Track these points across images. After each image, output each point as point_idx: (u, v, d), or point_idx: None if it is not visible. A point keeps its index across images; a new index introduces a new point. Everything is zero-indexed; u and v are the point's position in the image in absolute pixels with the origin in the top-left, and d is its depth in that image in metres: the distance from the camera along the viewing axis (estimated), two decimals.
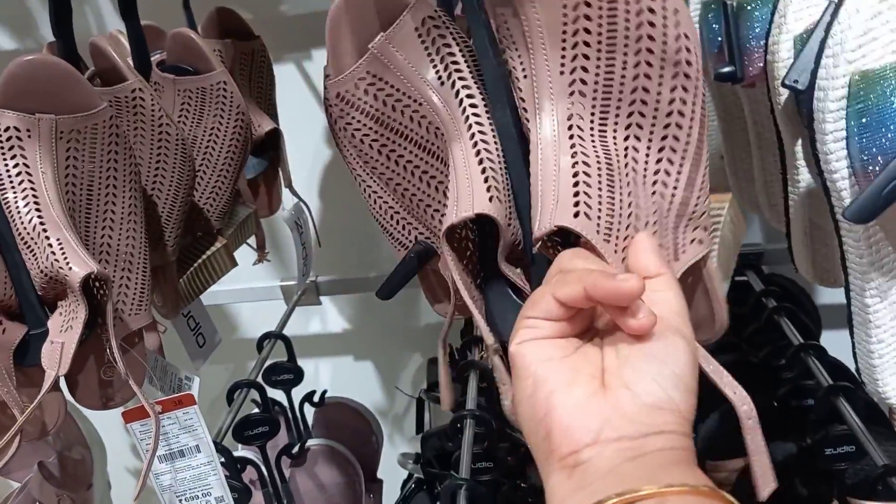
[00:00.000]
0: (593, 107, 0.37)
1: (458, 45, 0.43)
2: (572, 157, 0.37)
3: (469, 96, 0.42)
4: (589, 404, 0.30)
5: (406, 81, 0.43)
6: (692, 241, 0.38)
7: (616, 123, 0.37)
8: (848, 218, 0.37)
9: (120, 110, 0.56)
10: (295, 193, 0.85)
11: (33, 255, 0.48)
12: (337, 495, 0.91)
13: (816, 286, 1.02)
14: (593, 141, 0.37)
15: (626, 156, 0.37)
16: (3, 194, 0.48)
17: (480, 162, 0.40)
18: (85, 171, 0.51)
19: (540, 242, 0.37)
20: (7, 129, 0.47)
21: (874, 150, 0.36)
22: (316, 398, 0.97)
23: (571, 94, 0.37)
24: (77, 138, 0.50)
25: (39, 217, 0.47)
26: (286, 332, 0.93)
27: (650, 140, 0.37)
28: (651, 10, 0.34)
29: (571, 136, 0.37)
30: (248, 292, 1.05)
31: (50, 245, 0.47)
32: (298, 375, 0.94)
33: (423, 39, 0.43)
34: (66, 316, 0.49)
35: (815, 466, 0.68)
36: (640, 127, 0.37)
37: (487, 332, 0.40)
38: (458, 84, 0.42)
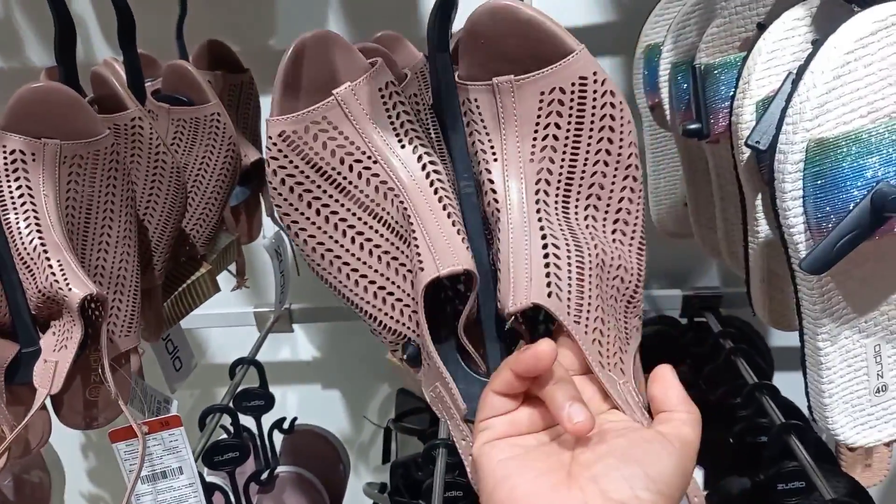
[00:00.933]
0: (556, 193, 0.40)
1: (416, 116, 0.43)
2: (542, 238, 0.39)
3: (432, 163, 0.41)
4: (552, 494, 0.30)
5: (364, 137, 0.41)
6: (634, 328, 0.41)
7: (577, 207, 0.41)
8: (803, 269, 0.41)
9: (119, 137, 0.58)
10: (276, 222, 0.87)
11: (32, 276, 0.49)
12: None
13: (770, 329, 1.08)
14: (560, 224, 0.40)
15: (590, 235, 0.40)
16: (4, 215, 0.49)
17: (454, 224, 0.40)
18: (84, 195, 0.53)
19: (513, 318, 0.39)
20: (13, 151, 0.49)
21: (828, 208, 0.41)
22: (286, 425, 0.98)
23: (538, 180, 0.40)
24: (79, 163, 0.52)
25: (41, 239, 0.49)
26: (257, 358, 0.94)
27: (604, 223, 0.41)
28: (612, 117, 0.39)
29: (540, 220, 0.39)
30: (221, 317, 1.05)
31: (50, 266, 0.48)
32: (269, 402, 0.95)
33: (385, 101, 0.41)
34: (59, 336, 0.50)
35: (767, 501, 0.72)
36: (596, 209, 0.41)
37: (460, 401, 0.40)
38: (421, 150, 0.41)
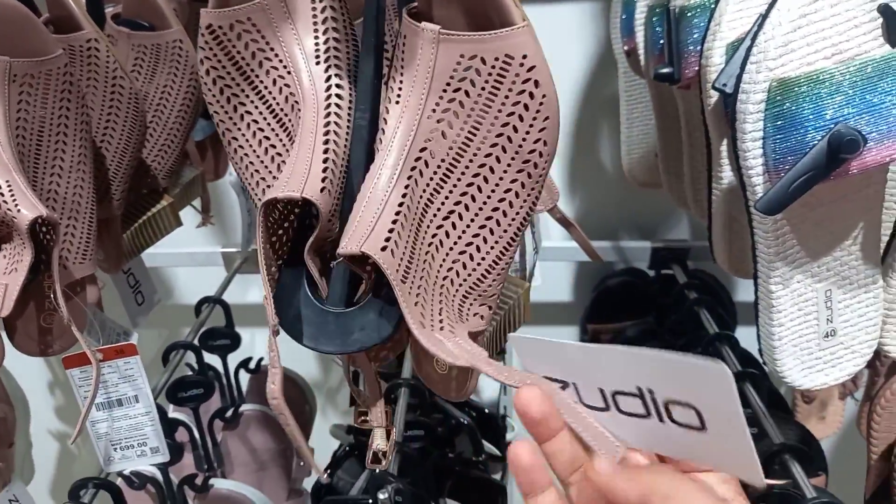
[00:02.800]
0: (438, 167, 0.39)
1: (345, 37, 0.42)
2: (402, 196, 0.38)
3: (339, 86, 0.41)
4: None
5: (283, 45, 0.41)
6: (475, 314, 0.41)
7: (450, 192, 0.39)
8: (759, 209, 0.41)
9: (73, 59, 0.56)
10: None
11: None
12: (268, 461, 0.93)
13: (736, 284, 1.09)
14: (423, 194, 0.39)
15: (442, 225, 0.39)
16: None
17: (326, 151, 0.40)
18: (36, 117, 0.51)
19: (342, 258, 0.39)
20: None
21: (785, 150, 0.41)
22: (251, 365, 0.98)
23: (428, 140, 0.38)
24: (30, 83, 0.50)
25: None
26: (224, 298, 0.94)
27: (472, 220, 0.39)
28: (526, 107, 0.36)
29: (410, 178, 0.38)
30: (187, 257, 1.04)
31: None
32: (235, 341, 0.95)
33: (315, 13, 0.41)
34: (10, 259, 0.49)
35: None
36: (471, 200, 0.39)
37: (271, 311, 0.40)
38: (333, 70, 0.41)
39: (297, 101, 0.41)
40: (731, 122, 0.44)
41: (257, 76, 0.42)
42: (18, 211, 0.46)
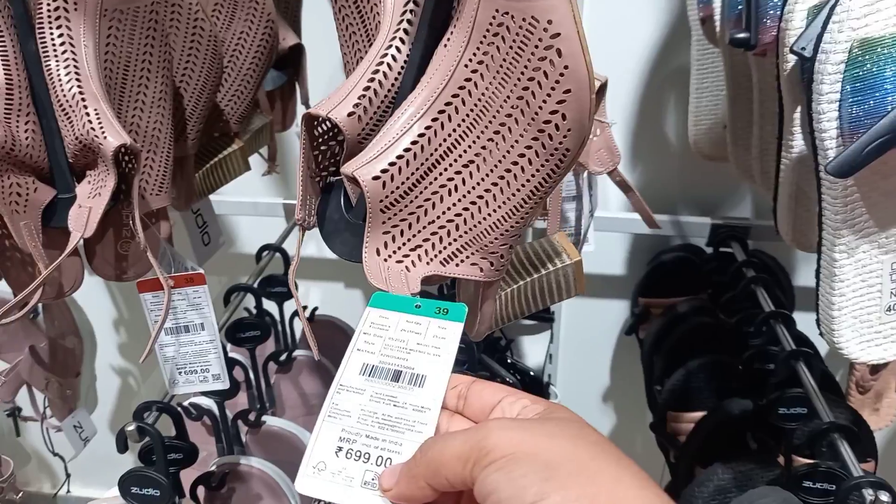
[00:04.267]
0: (465, 118, 0.39)
1: None
2: (419, 136, 0.39)
3: (409, 21, 0.42)
4: None
5: None
6: (473, 264, 0.41)
7: (470, 146, 0.39)
8: (829, 171, 0.40)
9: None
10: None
11: (70, 123, 0.50)
12: (317, 405, 0.96)
13: (796, 266, 1.06)
14: (445, 139, 0.39)
15: (457, 174, 0.40)
16: (46, 62, 0.50)
17: (371, 80, 0.41)
18: (122, 52, 0.54)
19: (345, 177, 0.40)
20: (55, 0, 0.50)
21: (862, 113, 0.40)
22: (307, 313, 1.01)
23: (461, 88, 0.39)
24: (119, 18, 0.52)
25: (79, 87, 0.50)
26: (284, 247, 0.97)
27: (485, 177, 0.39)
28: (546, 74, 0.35)
29: (435, 120, 0.39)
30: (251, 206, 1.07)
31: (87, 114, 0.49)
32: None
33: None
34: (94, 184, 0.52)
35: (768, 423, 0.73)
36: (488, 155, 0.39)
37: (298, 206, 0.43)
38: (410, 5, 0.42)
39: (379, 24, 0.44)
40: (808, 84, 0.43)
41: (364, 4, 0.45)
42: (105, 138, 0.49)
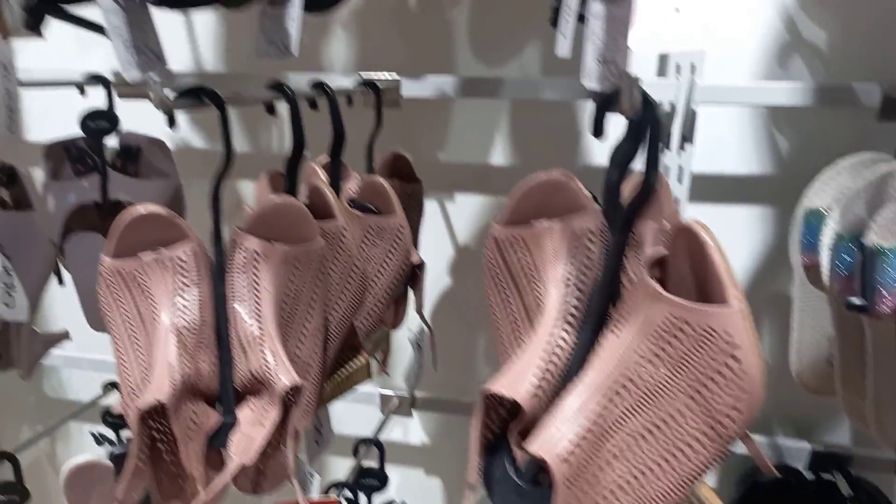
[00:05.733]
0: (635, 395, 0.43)
1: (595, 262, 0.49)
2: (595, 414, 0.43)
3: (576, 307, 0.47)
4: None
5: (542, 271, 0.49)
6: None
7: (641, 419, 0.43)
8: None
9: (326, 242, 0.66)
10: (423, 319, 0.93)
11: (245, 357, 0.56)
12: None
13: None
14: (615, 412, 0.43)
15: (626, 444, 0.43)
16: (231, 303, 0.57)
17: (548, 363, 0.46)
18: (294, 292, 0.61)
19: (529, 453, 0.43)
20: (249, 250, 0.57)
21: None
22: None
23: (632, 371, 0.43)
24: (297, 265, 0.60)
25: (260, 329, 0.56)
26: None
27: (653, 449, 0.43)
28: (722, 375, 0.40)
29: (610, 400, 0.43)
30: (349, 393, 1.11)
31: (263, 352, 0.55)
32: (383, 482, 1.00)
33: (576, 245, 0.49)
34: (256, 412, 0.57)
35: None
36: (657, 432, 0.43)
37: (473, 468, 0.47)
38: (573, 293, 0.48)
39: (537, 311, 0.49)
40: None
41: (520, 286, 0.51)
42: (279, 378, 0.54)
